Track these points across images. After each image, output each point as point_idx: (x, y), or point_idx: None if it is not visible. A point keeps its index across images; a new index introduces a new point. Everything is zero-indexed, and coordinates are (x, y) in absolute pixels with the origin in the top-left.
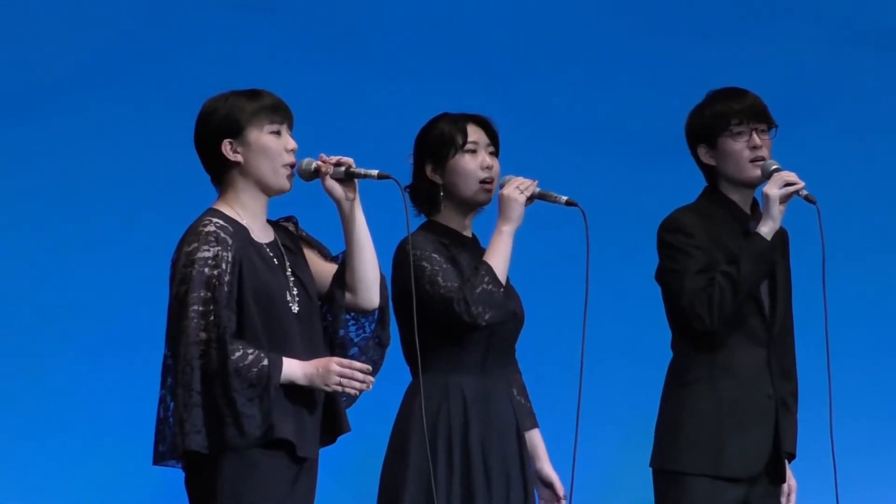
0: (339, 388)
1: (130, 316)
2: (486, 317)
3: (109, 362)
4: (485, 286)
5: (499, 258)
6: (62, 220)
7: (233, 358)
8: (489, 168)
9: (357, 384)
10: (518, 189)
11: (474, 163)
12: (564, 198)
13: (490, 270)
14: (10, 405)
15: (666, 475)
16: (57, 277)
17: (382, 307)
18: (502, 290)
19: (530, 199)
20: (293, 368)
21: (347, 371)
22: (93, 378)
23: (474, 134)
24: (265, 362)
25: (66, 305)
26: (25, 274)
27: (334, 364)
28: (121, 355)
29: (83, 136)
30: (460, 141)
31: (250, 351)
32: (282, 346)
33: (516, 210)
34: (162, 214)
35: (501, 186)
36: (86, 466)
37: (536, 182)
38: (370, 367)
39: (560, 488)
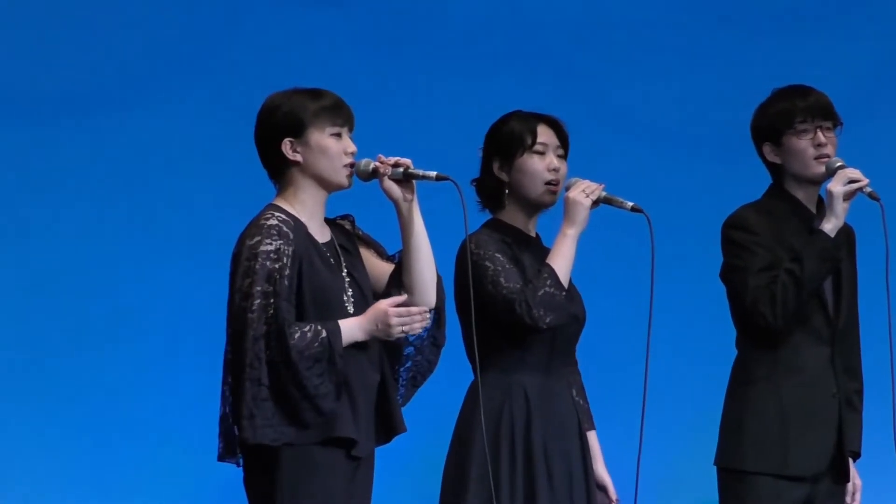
0: (403, 334)
1: (190, 314)
2: (547, 320)
3: (168, 360)
4: (547, 289)
5: (562, 261)
6: (121, 219)
7: (293, 342)
8: (556, 170)
9: (418, 325)
10: (584, 192)
11: (542, 164)
12: (630, 203)
13: (553, 273)
14: (72, 402)
15: (730, 473)
16: (114, 278)
17: (439, 308)
18: (564, 293)
19: (595, 202)
20: (352, 329)
21: (406, 317)
22: (151, 375)
23: (544, 135)
24: (324, 334)
25: (134, 305)
26: (87, 275)
27: (392, 316)
28: (180, 353)
29: (155, 132)
30: (529, 141)
31: (306, 328)
32: None
33: (581, 213)
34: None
35: (567, 189)
36: (149, 464)
37: (602, 186)
38: (425, 308)
39: (613, 492)
